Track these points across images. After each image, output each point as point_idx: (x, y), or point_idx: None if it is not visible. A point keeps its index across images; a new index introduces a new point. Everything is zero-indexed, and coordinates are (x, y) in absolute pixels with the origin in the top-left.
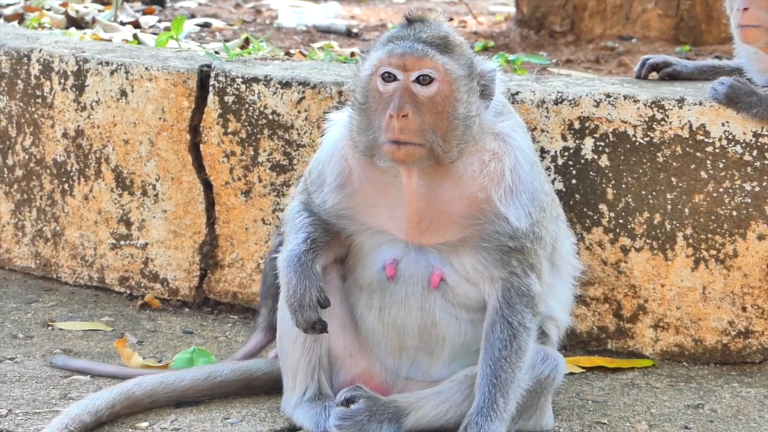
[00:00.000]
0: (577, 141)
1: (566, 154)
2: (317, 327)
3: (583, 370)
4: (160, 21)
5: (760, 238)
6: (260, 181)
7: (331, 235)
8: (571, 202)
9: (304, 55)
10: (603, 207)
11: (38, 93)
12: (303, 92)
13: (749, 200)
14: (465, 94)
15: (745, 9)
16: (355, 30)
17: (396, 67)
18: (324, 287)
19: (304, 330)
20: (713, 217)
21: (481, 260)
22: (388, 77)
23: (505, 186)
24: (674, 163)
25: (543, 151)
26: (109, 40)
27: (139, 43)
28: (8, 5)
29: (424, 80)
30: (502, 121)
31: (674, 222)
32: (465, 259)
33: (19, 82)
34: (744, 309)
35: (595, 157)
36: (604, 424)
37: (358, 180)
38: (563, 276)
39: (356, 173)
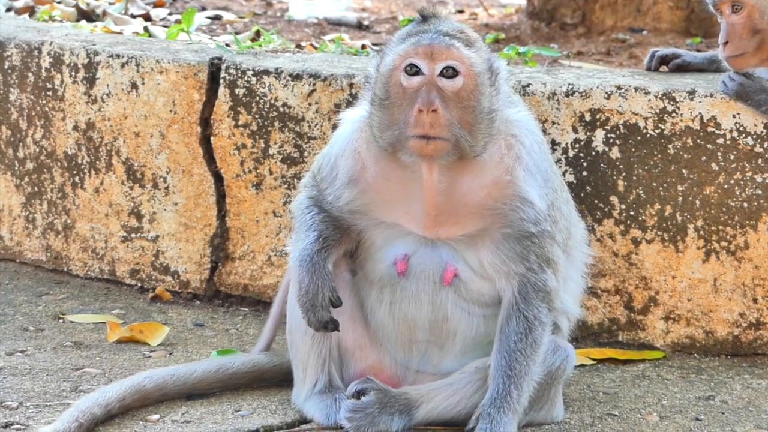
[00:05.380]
0: (588, 133)
1: (577, 146)
2: (329, 327)
3: (594, 362)
4: (170, 13)
5: None
6: (271, 173)
7: (342, 232)
8: (582, 194)
9: (315, 48)
10: (614, 199)
11: (49, 86)
12: (314, 85)
13: (760, 192)
14: (488, 88)
15: (725, 42)
16: (365, 22)
17: (423, 57)
18: (335, 286)
19: (316, 329)
20: (724, 209)
21: (500, 255)
22: (412, 70)
23: (524, 168)
24: (685, 155)
25: (554, 143)
26: (120, 33)
27: (150, 35)
28: None
29: (448, 72)
30: (513, 111)
31: (685, 214)
32: (482, 253)
33: (30, 74)
34: (755, 300)
35: (606, 149)
36: (615, 415)
37: (372, 176)
38: (576, 263)
39: (371, 169)
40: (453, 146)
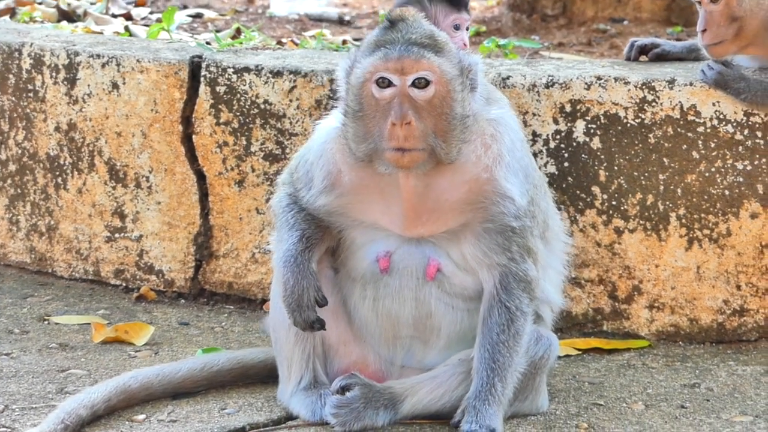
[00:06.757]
0: (569, 124)
1: (558, 137)
2: (316, 326)
3: (579, 352)
4: (151, 12)
5: (753, 216)
6: (253, 170)
7: (323, 230)
8: (564, 185)
9: (296, 44)
10: (596, 189)
11: (30, 87)
12: (294, 81)
13: (741, 179)
14: (460, 93)
15: (703, 30)
16: (347, 17)
17: (393, 72)
18: (320, 286)
19: (303, 329)
20: (706, 197)
21: (482, 247)
22: (384, 83)
23: (505, 166)
24: (666, 144)
25: (535, 135)
26: (101, 33)
27: (131, 35)
28: None
29: (420, 83)
30: (493, 109)
31: (667, 202)
32: (465, 246)
33: (11, 76)
34: (738, 287)
35: (587, 139)
36: (601, 405)
37: (349, 181)
38: (556, 252)
39: (347, 175)
40: (429, 155)
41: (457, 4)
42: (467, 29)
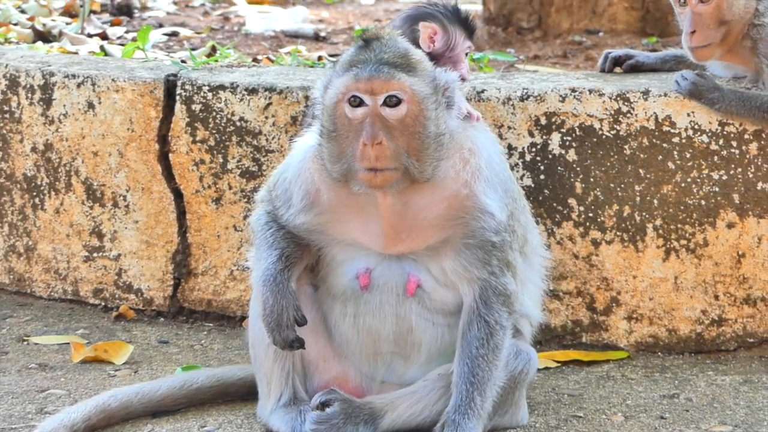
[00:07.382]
0: (544, 137)
1: (534, 150)
2: (295, 345)
3: (559, 365)
4: (127, 32)
5: (730, 226)
6: (230, 188)
7: (302, 248)
8: (540, 198)
9: (272, 61)
10: (572, 201)
11: (5, 108)
12: (270, 98)
13: (717, 189)
14: (433, 112)
15: (692, 32)
16: (323, 34)
17: (364, 92)
18: (299, 305)
19: (282, 348)
20: (682, 207)
21: (462, 262)
22: (355, 101)
23: (484, 181)
24: (641, 155)
25: (510, 148)
26: (76, 53)
27: (106, 54)
28: None
29: (391, 102)
30: (470, 125)
31: (644, 213)
32: (445, 262)
33: None
34: (716, 297)
35: (563, 152)
36: (580, 417)
37: (327, 200)
38: (535, 267)
39: (325, 194)
40: (402, 174)
41: (472, 33)
42: None
